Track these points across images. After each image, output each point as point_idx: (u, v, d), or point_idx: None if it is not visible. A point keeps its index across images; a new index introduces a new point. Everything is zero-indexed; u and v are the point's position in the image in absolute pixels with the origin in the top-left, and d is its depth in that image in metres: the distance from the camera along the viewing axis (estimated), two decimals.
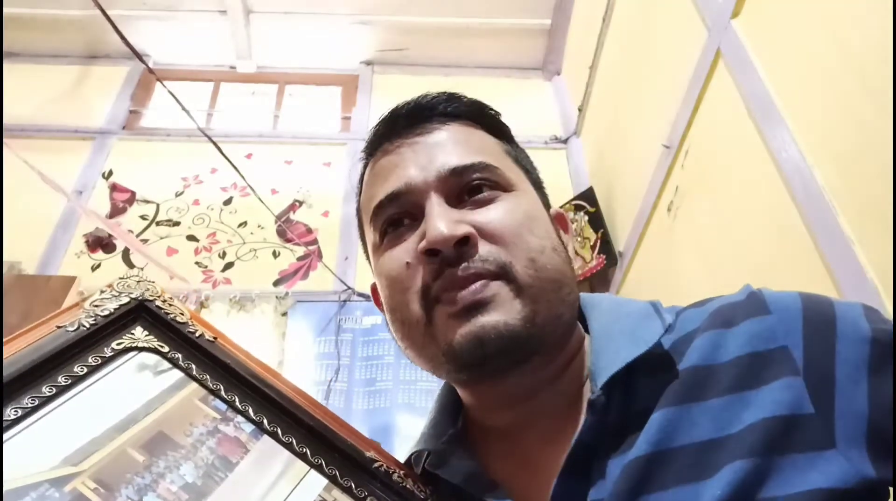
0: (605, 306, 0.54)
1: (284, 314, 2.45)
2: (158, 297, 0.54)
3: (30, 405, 0.44)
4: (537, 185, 0.57)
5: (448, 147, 0.52)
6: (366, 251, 0.60)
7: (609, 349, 0.48)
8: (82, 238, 2.61)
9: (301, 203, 2.82)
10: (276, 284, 2.55)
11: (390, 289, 0.51)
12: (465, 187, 0.51)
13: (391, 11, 3.20)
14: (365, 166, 0.59)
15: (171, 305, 0.55)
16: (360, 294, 2.51)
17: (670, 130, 1.78)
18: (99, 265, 2.55)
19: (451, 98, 0.56)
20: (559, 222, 0.57)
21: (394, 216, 0.52)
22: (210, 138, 1.97)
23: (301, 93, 3.37)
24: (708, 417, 0.42)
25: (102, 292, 0.53)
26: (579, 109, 2.88)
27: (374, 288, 0.59)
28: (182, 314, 0.54)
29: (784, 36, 1.30)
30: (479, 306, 0.45)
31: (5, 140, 2.08)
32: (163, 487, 0.44)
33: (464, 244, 0.47)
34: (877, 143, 1.00)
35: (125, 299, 0.53)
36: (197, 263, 2.60)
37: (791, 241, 1.18)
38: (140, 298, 0.53)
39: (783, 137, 1.25)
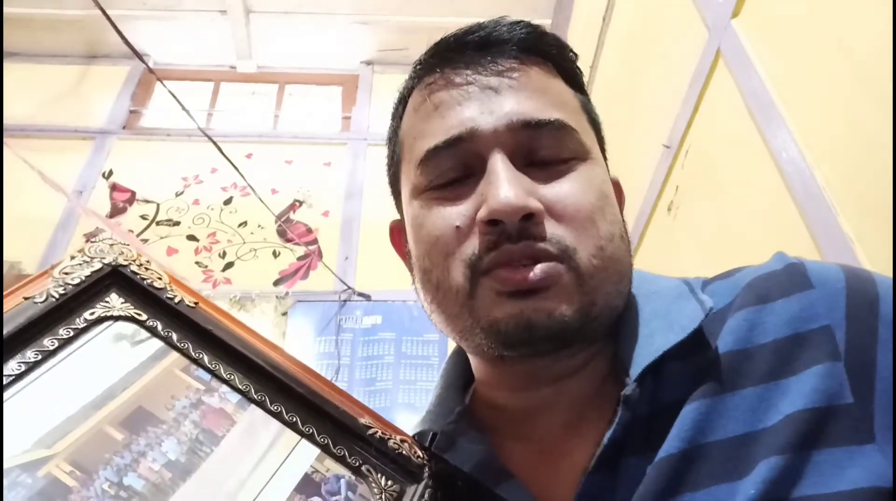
0: (632, 281, 0.48)
1: (284, 313, 2.45)
2: (133, 261, 0.50)
3: None
4: (603, 148, 0.51)
5: (523, 94, 0.45)
6: (393, 183, 0.53)
7: (641, 333, 0.43)
8: (82, 238, 2.62)
9: (301, 203, 2.82)
10: (276, 284, 2.56)
11: (430, 249, 0.45)
12: (537, 148, 0.44)
13: (391, 11, 3.20)
14: (411, 87, 0.51)
15: (147, 269, 0.50)
16: (360, 294, 2.51)
17: (670, 130, 1.78)
18: None
19: (532, 32, 0.48)
20: (616, 191, 0.51)
21: (450, 171, 0.45)
22: (210, 138, 1.97)
23: (301, 93, 3.37)
24: (743, 408, 0.38)
25: (73, 257, 0.48)
26: None
27: (394, 228, 0.54)
28: (160, 279, 0.50)
29: (784, 36, 1.30)
30: (534, 290, 0.41)
31: (5, 140, 2.08)
32: (144, 466, 0.42)
33: (528, 219, 0.41)
34: (877, 143, 1.00)
35: (97, 265, 0.48)
36: (197, 263, 2.60)
37: (791, 241, 1.18)
38: (114, 263, 0.49)
39: (783, 137, 1.25)
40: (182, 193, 2.82)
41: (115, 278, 0.49)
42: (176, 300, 0.49)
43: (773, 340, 0.39)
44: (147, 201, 2.78)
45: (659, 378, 0.42)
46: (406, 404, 2.24)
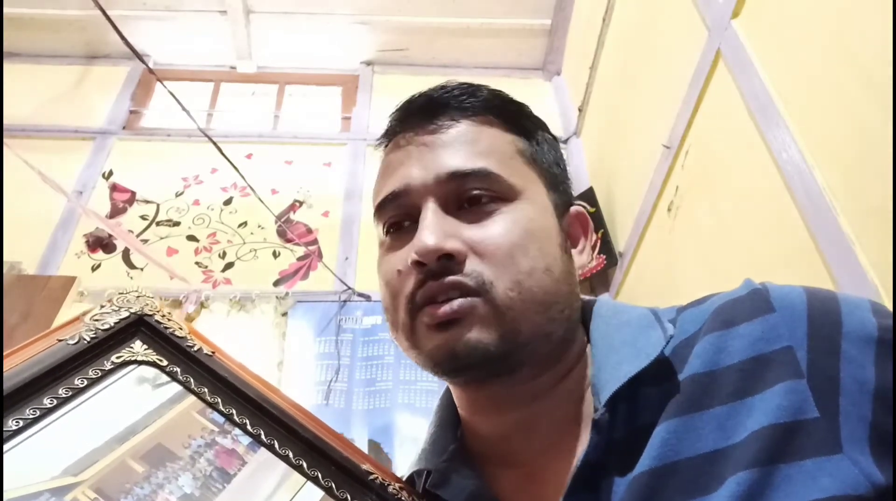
0: (603, 312, 0.53)
1: (284, 314, 2.45)
2: (157, 312, 0.56)
3: (31, 417, 0.45)
4: (553, 185, 0.55)
5: (453, 148, 0.51)
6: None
7: (610, 361, 0.47)
8: (82, 238, 2.61)
9: (301, 203, 2.82)
10: (276, 284, 2.56)
11: (385, 291, 0.52)
12: (465, 194, 0.50)
13: (391, 11, 3.20)
14: (381, 154, 0.58)
15: (169, 320, 0.56)
16: (360, 294, 2.51)
17: (670, 130, 1.78)
18: (99, 265, 2.55)
19: (467, 92, 0.54)
20: (580, 222, 0.56)
21: (394, 219, 0.52)
22: (210, 138, 1.97)
23: (301, 93, 3.37)
24: (712, 426, 0.41)
25: (102, 306, 0.54)
26: (579, 110, 2.88)
27: None
28: (181, 329, 0.56)
29: (784, 36, 1.30)
30: (453, 322, 0.46)
31: (5, 140, 2.08)
32: (161, 498, 0.45)
33: (450, 259, 0.47)
34: (877, 143, 1.00)
35: (125, 314, 0.54)
36: (197, 263, 2.60)
37: (791, 241, 1.18)
38: (139, 312, 0.55)
39: (783, 137, 1.25)
40: (182, 193, 2.82)
41: (140, 327, 0.55)
42: (195, 349, 0.55)
43: (738, 361, 0.42)
44: (147, 202, 2.78)
45: (633, 403, 0.45)
46: (406, 404, 2.24)
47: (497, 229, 0.49)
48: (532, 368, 0.49)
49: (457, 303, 0.46)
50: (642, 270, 2.02)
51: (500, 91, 0.56)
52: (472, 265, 0.47)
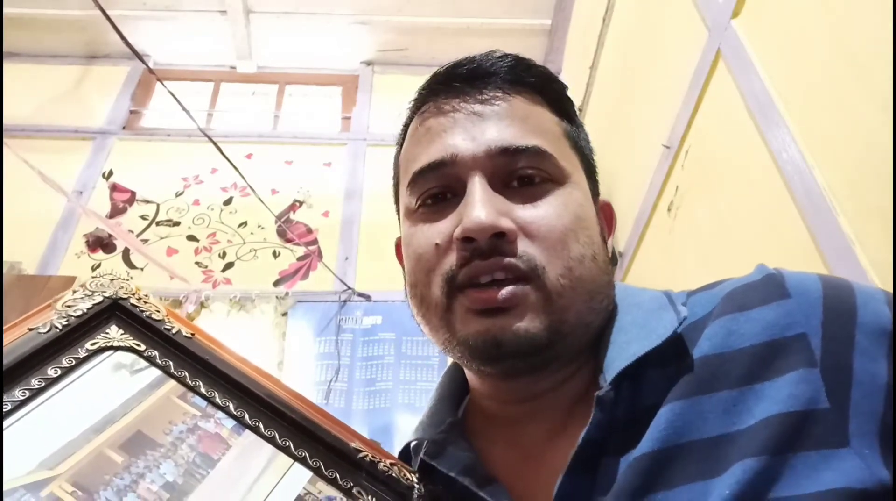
0: (617, 295, 0.51)
1: (284, 314, 2.45)
2: (133, 294, 0.53)
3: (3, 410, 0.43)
4: (590, 172, 0.53)
5: (504, 122, 0.48)
6: (396, 204, 0.57)
7: (619, 340, 0.46)
8: (82, 238, 2.62)
9: (301, 203, 2.82)
10: (276, 284, 2.56)
11: (415, 265, 0.49)
12: (515, 173, 0.47)
13: (391, 11, 3.20)
14: (412, 116, 0.55)
15: (145, 302, 0.53)
16: (360, 294, 2.51)
17: (670, 130, 1.78)
18: (99, 265, 2.55)
19: (518, 64, 0.51)
20: (605, 214, 0.54)
21: (434, 189, 0.49)
22: (210, 138, 1.97)
23: (301, 93, 3.37)
24: (719, 410, 0.39)
25: (75, 291, 0.51)
26: (579, 109, 2.88)
27: (398, 244, 0.57)
28: (158, 312, 0.53)
29: (784, 36, 1.30)
30: (501, 309, 0.44)
31: (5, 140, 2.08)
32: (143, 487, 0.44)
33: (500, 237, 0.44)
34: (877, 143, 1.00)
35: (98, 299, 0.51)
36: (197, 263, 2.60)
37: (791, 241, 1.18)
38: (114, 296, 0.52)
39: (783, 137, 1.24)
40: (182, 193, 2.82)
41: (115, 311, 0.52)
42: (173, 331, 0.53)
43: (750, 345, 0.41)
44: (147, 202, 2.78)
45: (638, 384, 0.43)
46: (406, 404, 2.24)
47: (550, 210, 0.46)
48: (562, 362, 0.47)
49: (508, 291, 0.43)
50: (642, 270, 2.02)
51: (547, 68, 0.54)
52: (524, 247, 0.45)
